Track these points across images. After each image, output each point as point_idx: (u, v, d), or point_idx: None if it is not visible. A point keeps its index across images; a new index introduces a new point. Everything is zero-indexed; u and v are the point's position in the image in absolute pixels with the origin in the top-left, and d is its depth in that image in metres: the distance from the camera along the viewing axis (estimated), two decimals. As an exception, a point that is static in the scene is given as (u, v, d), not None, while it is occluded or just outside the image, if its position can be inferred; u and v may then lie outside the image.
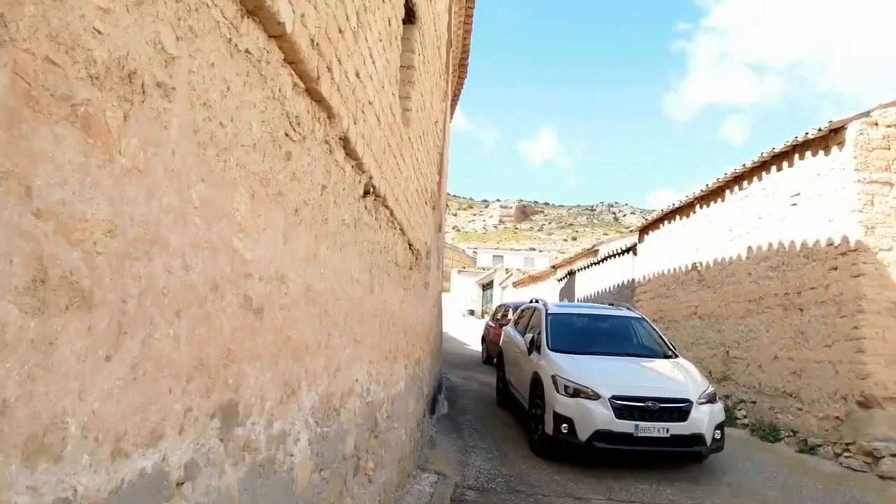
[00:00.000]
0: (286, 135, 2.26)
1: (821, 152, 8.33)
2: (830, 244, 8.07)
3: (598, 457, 7.25)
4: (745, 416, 9.60)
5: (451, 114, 12.83)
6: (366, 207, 3.80)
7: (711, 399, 7.30)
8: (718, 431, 7.19)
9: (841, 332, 7.81)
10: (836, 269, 7.95)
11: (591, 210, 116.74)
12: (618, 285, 15.80)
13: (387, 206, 4.42)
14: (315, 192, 2.65)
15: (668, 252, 12.83)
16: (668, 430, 6.92)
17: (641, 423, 6.89)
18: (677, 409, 7.00)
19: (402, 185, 5.04)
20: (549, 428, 7.29)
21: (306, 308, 2.67)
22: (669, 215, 12.87)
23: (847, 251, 7.76)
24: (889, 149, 7.74)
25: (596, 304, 10.36)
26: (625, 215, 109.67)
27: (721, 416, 7.30)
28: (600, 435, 6.92)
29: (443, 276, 12.66)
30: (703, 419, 7.03)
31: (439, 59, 7.47)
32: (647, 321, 9.04)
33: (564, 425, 7.10)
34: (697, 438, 6.99)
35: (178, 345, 1.53)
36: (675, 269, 12.40)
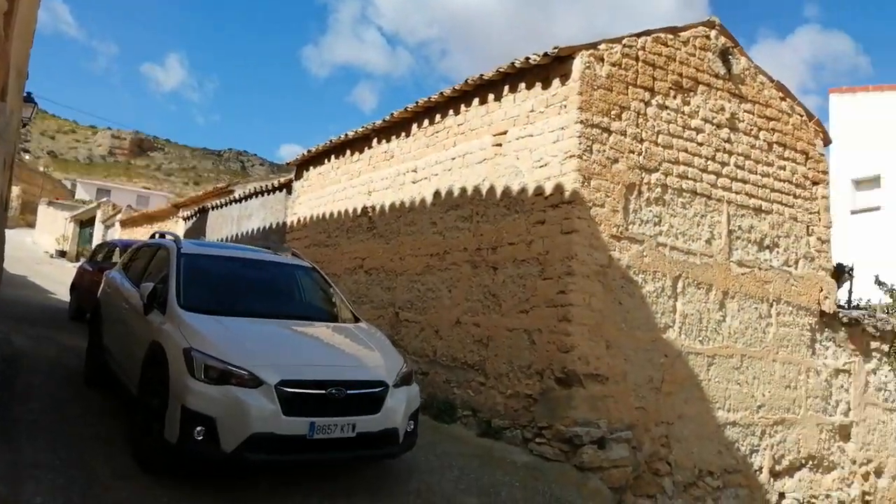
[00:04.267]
0: None
1: (538, 84, 7.06)
2: (539, 194, 6.87)
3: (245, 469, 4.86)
4: (415, 391, 8.10)
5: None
6: None
7: (407, 379, 5.42)
8: (412, 422, 5.34)
9: (543, 296, 6.67)
10: (543, 223, 6.78)
11: (219, 155, 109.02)
12: (264, 229, 13.21)
13: None
14: None
15: (332, 193, 10.71)
16: (354, 428, 4.82)
17: (319, 420, 4.67)
18: (368, 397, 4.95)
19: None
20: (172, 433, 4.56)
21: None
22: (338, 149, 10.75)
23: (560, 203, 6.61)
24: (611, 90, 6.79)
25: (249, 247, 7.72)
26: (253, 165, 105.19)
27: (417, 402, 5.47)
28: (257, 441, 4.50)
29: (13, 198, 8.51)
30: (399, 408, 5.11)
31: None
32: (319, 272, 6.75)
33: (200, 429, 4.47)
34: (390, 435, 5.05)
35: None
36: (340, 213, 10.36)
